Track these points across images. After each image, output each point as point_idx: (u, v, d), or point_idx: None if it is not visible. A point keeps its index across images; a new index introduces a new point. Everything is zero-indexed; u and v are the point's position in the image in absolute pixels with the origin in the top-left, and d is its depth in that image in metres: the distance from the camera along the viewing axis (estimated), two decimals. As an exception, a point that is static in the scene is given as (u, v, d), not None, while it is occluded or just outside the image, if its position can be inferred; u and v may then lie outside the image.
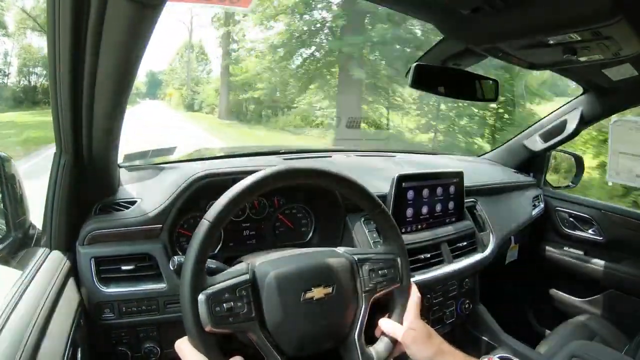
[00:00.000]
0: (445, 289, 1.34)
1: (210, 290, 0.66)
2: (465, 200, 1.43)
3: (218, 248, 1.10)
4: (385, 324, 0.82)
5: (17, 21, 13.16)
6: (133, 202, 0.98)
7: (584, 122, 1.61)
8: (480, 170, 1.78)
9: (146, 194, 1.00)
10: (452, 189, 1.37)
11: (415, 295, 0.85)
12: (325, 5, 10.18)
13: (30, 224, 1.01)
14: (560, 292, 1.86)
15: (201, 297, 0.65)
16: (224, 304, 0.66)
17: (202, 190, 0.99)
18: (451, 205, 1.38)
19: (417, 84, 0.97)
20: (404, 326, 0.80)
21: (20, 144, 7.44)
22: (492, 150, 2.03)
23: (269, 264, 0.74)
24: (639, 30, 0.75)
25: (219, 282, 0.68)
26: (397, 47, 8.73)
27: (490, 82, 1.09)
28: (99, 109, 0.71)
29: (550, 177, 1.97)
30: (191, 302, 0.64)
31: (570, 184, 1.92)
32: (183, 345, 0.66)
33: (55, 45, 0.61)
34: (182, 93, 21.90)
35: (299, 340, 0.73)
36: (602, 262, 1.69)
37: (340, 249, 0.84)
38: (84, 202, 0.93)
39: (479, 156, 2.07)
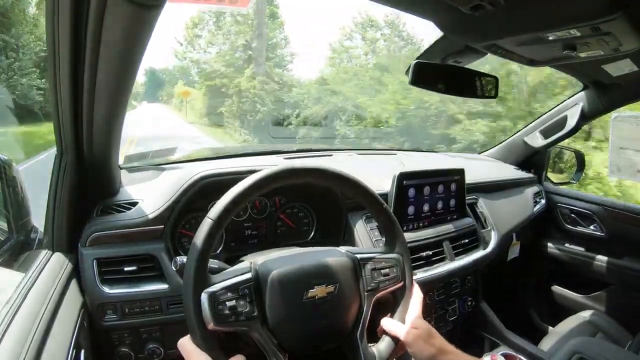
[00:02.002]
0: (448, 286, 1.34)
1: (212, 288, 0.66)
2: (467, 198, 1.43)
3: (220, 248, 1.10)
4: (388, 323, 0.82)
5: None
6: (134, 203, 0.98)
7: (585, 118, 1.61)
8: (481, 167, 1.78)
9: (147, 195, 1.00)
10: (453, 186, 1.37)
11: (417, 294, 0.85)
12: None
13: (32, 226, 1.01)
14: (563, 289, 1.86)
15: (203, 295, 0.65)
16: (227, 303, 0.66)
17: (203, 191, 0.99)
18: (452, 202, 1.38)
19: (417, 81, 0.97)
20: (406, 325, 0.80)
21: None
22: (492, 147, 2.03)
23: (271, 262, 0.74)
24: (638, 25, 0.75)
25: (222, 281, 0.68)
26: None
27: (491, 78, 1.09)
28: (99, 110, 0.71)
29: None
30: (194, 301, 0.65)
31: (571, 180, 1.92)
32: (186, 344, 0.66)
33: (55, 47, 0.61)
34: (237, 90, 10.15)
35: (301, 338, 0.73)
36: (604, 258, 1.69)
37: (343, 249, 0.84)
38: (85, 204, 0.93)
39: (480, 153, 2.07)
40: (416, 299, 0.85)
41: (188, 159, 1.37)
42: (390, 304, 0.85)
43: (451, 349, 0.77)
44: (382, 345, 0.80)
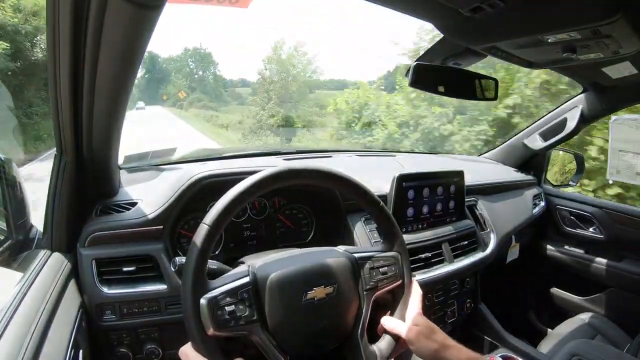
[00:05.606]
0: (447, 288, 1.33)
1: (211, 294, 0.66)
2: (466, 200, 1.43)
3: (219, 249, 1.10)
4: (388, 321, 0.82)
5: None
6: (134, 204, 0.98)
7: (584, 120, 1.61)
8: (480, 169, 1.78)
9: (147, 196, 1.00)
10: (452, 188, 1.37)
11: (417, 291, 0.85)
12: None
13: (31, 226, 1.01)
14: (562, 291, 1.85)
15: (203, 301, 0.65)
16: (226, 308, 0.66)
17: (203, 191, 0.99)
18: (452, 204, 1.38)
19: (416, 83, 0.97)
20: (407, 323, 0.80)
21: None
22: (492, 149, 2.03)
23: (269, 265, 0.74)
24: (638, 28, 0.75)
25: (220, 286, 0.67)
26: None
27: (491, 81, 1.09)
28: (99, 110, 0.71)
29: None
30: (193, 307, 0.64)
31: (570, 182, 1.92)
32: (187, 351, 0.66)
33: (55, 47, 0.61)
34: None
35: (301, 340, 0.73)
36: (603, 260, 1.69)
37: (341, 248, 0.83)
38: (84, 204, 0.93)
39: (479, 155, 2.07)
40: (416, 296, 0.84)
41: (187, 159, 1.37)
42: (390, 303, 0.85)
43: (453, 344, 0.76)
44: (383, 344, 0.80)
